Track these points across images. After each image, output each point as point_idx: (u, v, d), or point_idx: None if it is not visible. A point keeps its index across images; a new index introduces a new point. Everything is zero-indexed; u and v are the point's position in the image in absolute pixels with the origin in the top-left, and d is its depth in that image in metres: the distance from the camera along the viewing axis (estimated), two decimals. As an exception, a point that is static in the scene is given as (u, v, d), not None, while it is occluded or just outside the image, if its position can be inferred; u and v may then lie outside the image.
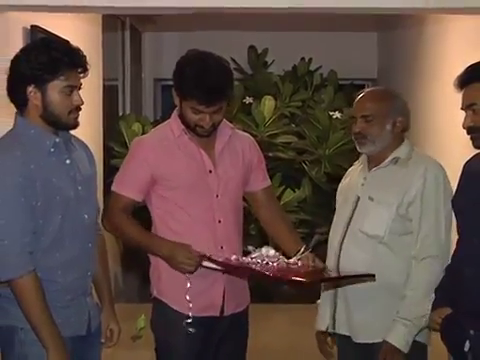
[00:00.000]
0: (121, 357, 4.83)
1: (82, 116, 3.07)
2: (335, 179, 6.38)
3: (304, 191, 7.37)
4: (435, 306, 3.18)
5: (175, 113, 3.45)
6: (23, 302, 2.91)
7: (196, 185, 3.37)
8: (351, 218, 3.39)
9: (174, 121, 3.43)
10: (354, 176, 3.52)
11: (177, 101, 3.37)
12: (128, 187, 3.40)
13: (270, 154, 7.37)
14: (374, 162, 3.42)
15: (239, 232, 3.48)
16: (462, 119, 3.07)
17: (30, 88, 2.97)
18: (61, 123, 3.01)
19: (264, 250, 3.23)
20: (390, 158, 3.38)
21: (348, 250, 3.36)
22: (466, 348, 3.01)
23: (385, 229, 3.30)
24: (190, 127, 3.36)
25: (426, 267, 3.25)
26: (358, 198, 3.40)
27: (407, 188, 3.30)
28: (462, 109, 3.07)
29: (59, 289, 3.00)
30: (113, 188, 3.46)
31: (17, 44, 3.16)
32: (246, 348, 3.58)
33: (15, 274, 2.89)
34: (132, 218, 3.44)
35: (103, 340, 3.29)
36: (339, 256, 3.37)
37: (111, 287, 3.40)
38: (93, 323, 3.15)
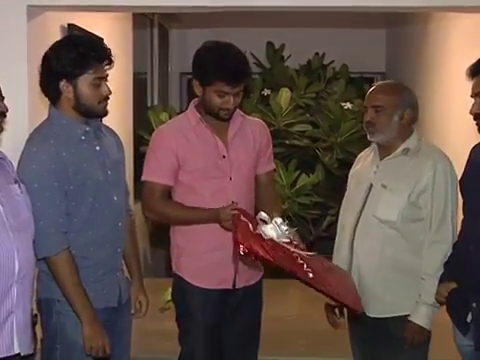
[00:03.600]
0: (150, 327, 4.85)
1: (114, 106, 3.08)
2: (346, 165, 6.34)
3: (318, 176, 7.35)
4: (442, 281, 3.18)
5: (192, 104, 3.45)
6: (58, 277, 2.94)
7: (211, 169, 3.36)
8: (364, 204, 3.36)
9: (191, 111, 3.42)
10: (366, 163, 3.50)
11: (199, 90, 3.35)
12: (159, 174, 3.37)
13: (287, 142, 7.35)
14: (385, 151, 3.39)
15: (251, 213, 3.47)
16: (464, 108, 3.05)
17: (62, 83, 2.98)
18: (92, 112, 3.02)
19: (279, 221, 3.12)
20: (401, 149, 3.35)
21: (361, 234, 3.34)
22: (469, 319, 3.02)
23: (397, 215, 3.28)
24: (213, 112, 3.34)
25: (437, 251, 3.25)
26: (371, 185, 3.37)
27: (418, 178, 3.28)
28: (471, 96, 3.05)
29: (91, 265, 3.02)
30: (145, 178, 3.40)
31: (56, 41, 3.16)
32: (260, 318, 3.58)
33: (51, 252, 2.92)
34: (169, 199, 3.42)
35: (133, 311, 3.32)
36: (353, 240, 3.36)
37: (140, 263, 3.42)
38: (124, 296, 3.17)
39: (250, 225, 3.07)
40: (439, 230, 3.27)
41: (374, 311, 3.34)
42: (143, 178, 3.42)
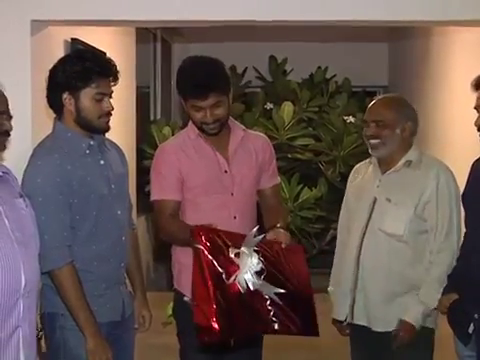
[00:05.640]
0: (153, 341, 4.84)
1: (117, 120, 3.08)
2: (349, 178, 6.31)
3: (320, 190, 7.36)
4: (445, 292, 3.20)
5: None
6: (62, 290, 2.94)
7: (212, 185, 3.34)
8: (370, 218, 3.36)
9: (191, 127, 3.41)
10: (366, 176, 3.49)
11: (184, 106, 3.36)
12: (167, 191, 3.34)
13: (289, 155, 7.37)
14: (385, 165, 3.40)
15: (253, 227, 3.45)
16: (467, 122, 3.06)
17: (65, 95, 3.00)
18: (92, 127, 3.03)
19: (255, 261, 3.04)
20: (403, 161, 3.36)
21: (368, 248, 3.34)
22: (470, 330, 3.03)
23: (404, 228, 3.28)
24: (199, 128, 3.33)
25: (442, 259, 3.26)
26: (375, 199, 3.37)
27: (422, 190, 3.29)
28: (475, 108, 3.07)
29: (95, 279, 3.02)
30: (153, 198, 3.36)
31: (59, 56, 3.17)
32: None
33: (55, 266, 2.92)
34: (180, 220, 3.35)
35: (136, 325, 3.31)
36: (359, 253, 3.35)
37: (143, 277, 3.42)
38: (127, 310, 3.17)
39: (216, 265, 2.95)
40: (446, 239, 3.28)
41: (379, 325, 3.34)
42: (152, 198, 3.38)
